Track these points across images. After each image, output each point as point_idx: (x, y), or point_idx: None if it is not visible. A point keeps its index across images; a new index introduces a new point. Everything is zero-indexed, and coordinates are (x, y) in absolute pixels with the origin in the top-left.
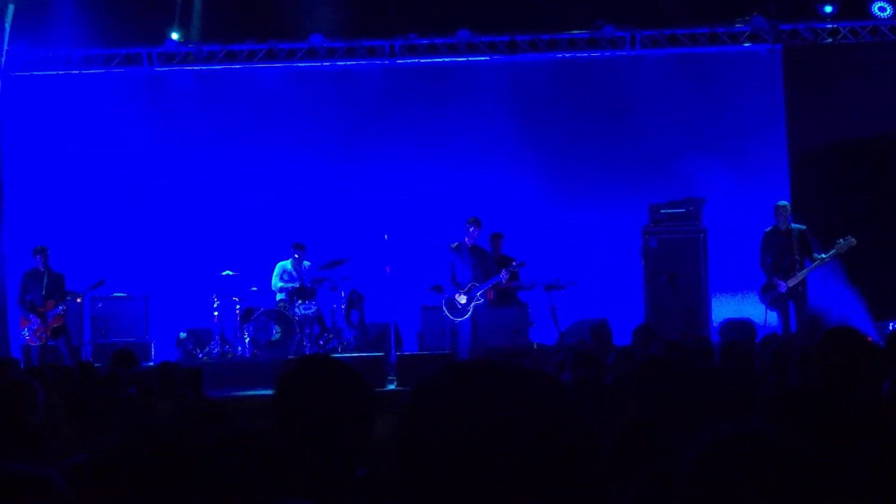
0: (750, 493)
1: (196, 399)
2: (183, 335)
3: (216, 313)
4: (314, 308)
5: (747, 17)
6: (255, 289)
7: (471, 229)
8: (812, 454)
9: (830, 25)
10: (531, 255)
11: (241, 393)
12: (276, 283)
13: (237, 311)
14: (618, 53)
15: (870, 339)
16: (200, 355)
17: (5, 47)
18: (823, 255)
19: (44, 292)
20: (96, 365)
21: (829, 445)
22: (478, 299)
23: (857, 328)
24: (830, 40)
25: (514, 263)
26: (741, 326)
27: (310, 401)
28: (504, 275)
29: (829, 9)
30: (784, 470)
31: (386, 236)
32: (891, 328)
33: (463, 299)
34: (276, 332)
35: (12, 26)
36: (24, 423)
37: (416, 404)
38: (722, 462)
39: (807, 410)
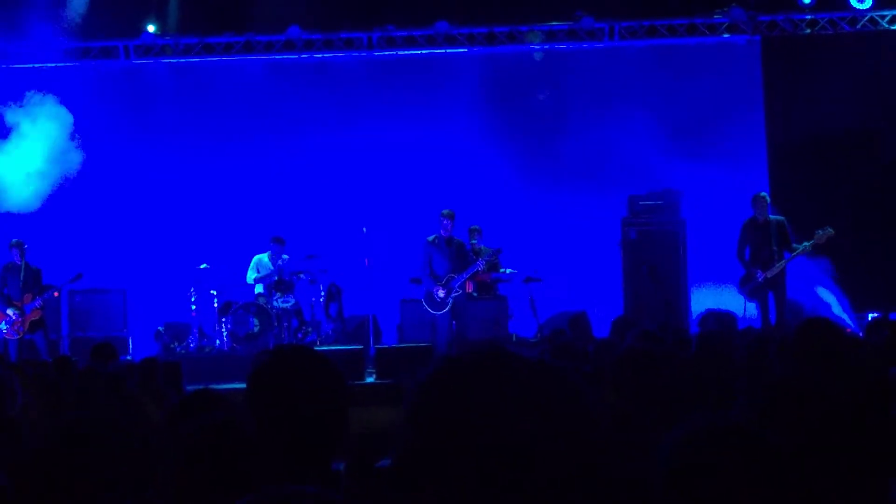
0: (725, 484)
1: (195, 391)
2: (161, 329)
3: (194, 307)
4: (292, 301)
5: (726, 9)
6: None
7: (445, 222)
8: (788, 444)
9: (809, 17)
10: (510, 246)
11: (220, 386)
12: (250, 276)
13: (215, 305)
14: (596, 45)
15: (846, 329)
16: (178, 349)
17: None
18: (801, 246)
19: (21, 286)
20: (74, 359)
21: (806, 435)
22: (456, 291)
23: (832, 319)
24: (809, 31)
25: (491, 251)
26: (721, 317)
27: (283, 391)
28: (481, 263)
29: (807, 0)
30: (759, 460)
31: (364, 229)
32: (869, 319)
33: (442, 293)
34: (255, 326)
35: None
36: (1, 417)
37: (422, 398)
38: (697, 453)
39: (783, 401)
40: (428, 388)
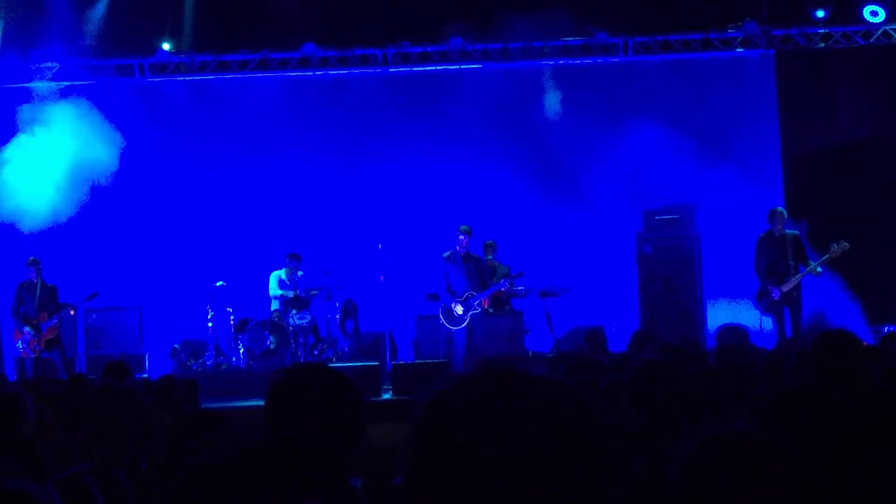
0: (739, 493)
1: (197, 411)
2: (177, 346)
3: (210, 324)
4: (308, 318)
5: (739, 23)
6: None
7: (461, 237)
8: (804, 454)
9: (823, 30)
10: (526, 261)
11: (237, 404)
12: (274, 290)
13: (231, 322)
14: (611, 60)
15: (864, 342)
16: (195, 366)
17: None
18: (817, 261)
19: (37, 304)
20: (90, 377)
21: (823, 446)
22: (475, 308)
23: (850, 332)
24: (823, 45)
25: (513, 273)
26: (735, 332)
27: (300, 408)
28: (504, 283)
29: (821, 13)
30: (772, 470)
31: (380, 245)
32: (886, 331)
33: (460, 309)
34: (271, 343)
35: (2, 39)
36: (15, 435)
37: (431, 416)
38: (711, 462)
39: (800, 412)
40: (433, 408)
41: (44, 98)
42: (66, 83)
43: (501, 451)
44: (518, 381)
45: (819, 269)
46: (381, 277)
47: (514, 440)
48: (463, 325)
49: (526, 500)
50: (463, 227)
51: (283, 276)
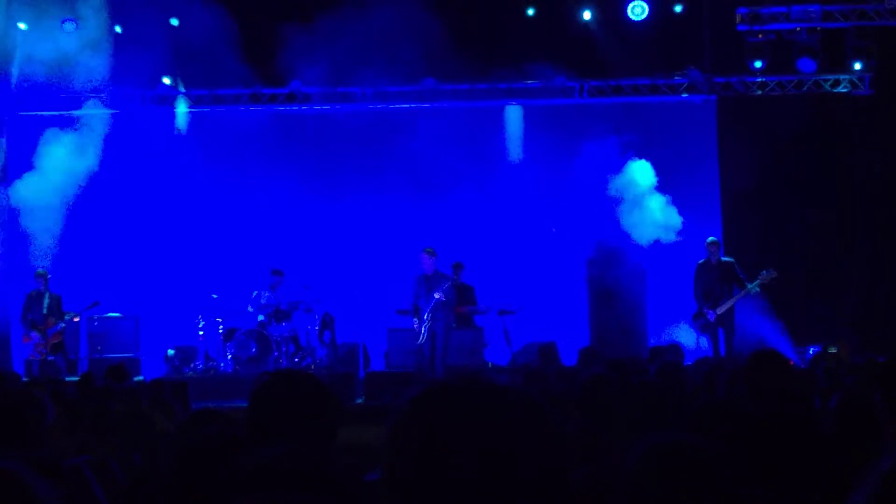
0: (681, 495)
1: (200, 408)
2: (171, 352)
3: (201, 332)
4: (290, 329)
5: (684, 71)
6: (215, 296)
7: (423, 258)
8: (736, 461)
9: (760, 79)
10: (489, 282)
11: (224, 404)
12: (255, 304)
13: (220, 331)
14: (567, 101)
15: (791, 361)
16: (186, 370)
17: (13, 88)
18: (748, 286)
19: (45, 312)
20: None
21: (753, 454)
22: (426, 321)
23: (779, 351)
24: (760, 92)
25: (449, 282)
26: (670, 350)
27: (281, 409)
28: (437, 292)
29: (758, 64)
30: (709, 474)
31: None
32: (811, 353)
33: (416, 324)
34: (256, 350)
35: (22, 66)
36: (32, 432)
37: (408, 418)
38: (653, 468)
39: (732, 423)
40: (410, 411)
41: (58, 122)
42: (77, 112)
43: (471, 451)
44: (486, 389)
45: (756, 289)
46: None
47: (483, 441)
48: (421, 340)
49: (493, 492)
50: (426, 249)
51: (266, 292)
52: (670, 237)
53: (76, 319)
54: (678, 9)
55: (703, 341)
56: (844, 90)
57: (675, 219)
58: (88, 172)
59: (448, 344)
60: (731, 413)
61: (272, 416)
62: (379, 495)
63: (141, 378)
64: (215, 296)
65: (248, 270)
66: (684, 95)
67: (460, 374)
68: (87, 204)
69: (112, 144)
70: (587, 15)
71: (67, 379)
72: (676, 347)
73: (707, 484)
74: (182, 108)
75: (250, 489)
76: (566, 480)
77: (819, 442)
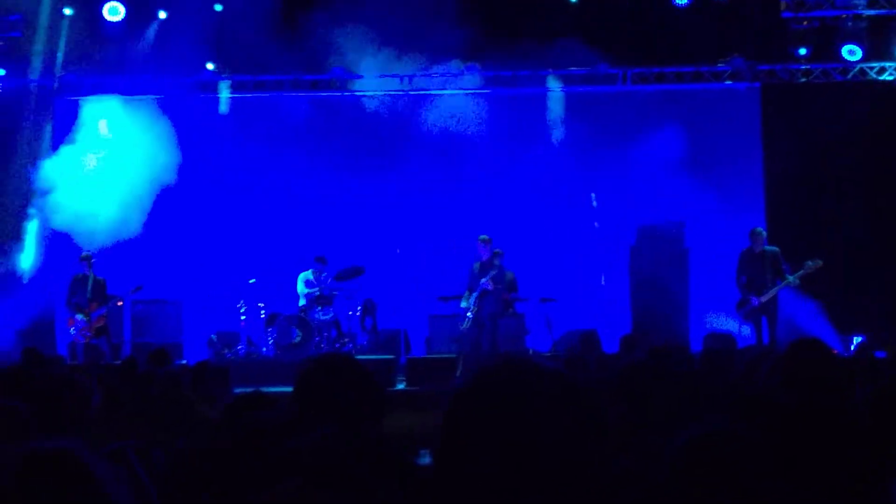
0: (721, 479)
1: (245, 393)
2: (213, 337)
3: (243, 317)
4: (331, 314)
5: (728, 58)
6: (252, 280)
7: (479, 246)
8: (770, 453)
9: (804, 66)
10: (532, 270)
11: (265, 389)
12: (301, 289)
13: (262, 316)
14: (610, 89)
15: (834, 350)
16: (228, 355)
17: (58, 75)
18: (792, 277)
19: (89, 295)
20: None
21: (795, 445)
22: (472, 308)
23: (821, 340)
24: (804, 80)
25: (497, 270)
26: (723, 338)
27: (326, 393)
28: (486, 283)
29: (803, 51)
30: (750, 463)
31: (398, 250)
32: (854, 341)
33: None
34: (297, 336)
35: (67, 51)
36: (76, 416)
37: (463, 400)
38: (698, 455)
39: (767, 413)
40: (467, 394)
41: (109, 110)
42: (124, 96)
43: (523, 431)
44: (537, 372)
45: (797, 280)
46: (398, 250)
47: (534, 421)
48: (466, 326)
49: (542, 474)
50: (482, 237)
51: (311, 277)
52: None
53: (120, 303)
54: None
55: (746, 329)
56: (890, 78)
57: None
58: (132, 158)
59: (496, 332)
60: (766, 404)
61: (317, 399)
62: (426, 478)
63: (184, 362)
64: (253, 280)
65: (290, 256)
66: (728, 83)
67: (513, 357)
68: (131, 189)
69: (155, 130)
70: (630, 1)
71: (111, 363)
72: (728, 336)
73: (738, 477)
74: (225, 94)
75: (300, 471)
76: (607, 462)
77: (850, 433)
